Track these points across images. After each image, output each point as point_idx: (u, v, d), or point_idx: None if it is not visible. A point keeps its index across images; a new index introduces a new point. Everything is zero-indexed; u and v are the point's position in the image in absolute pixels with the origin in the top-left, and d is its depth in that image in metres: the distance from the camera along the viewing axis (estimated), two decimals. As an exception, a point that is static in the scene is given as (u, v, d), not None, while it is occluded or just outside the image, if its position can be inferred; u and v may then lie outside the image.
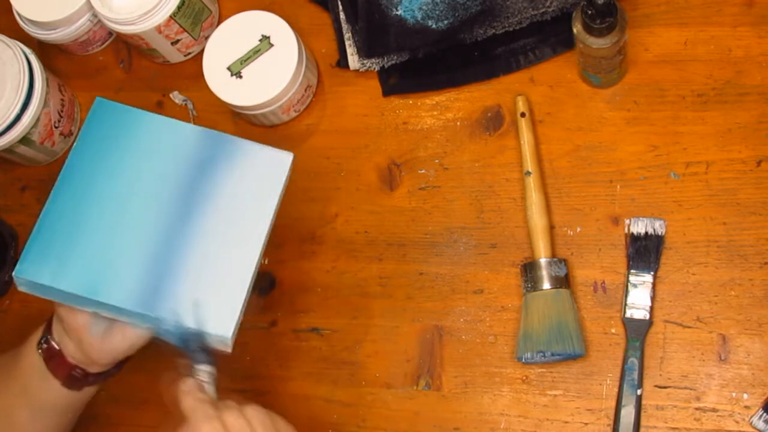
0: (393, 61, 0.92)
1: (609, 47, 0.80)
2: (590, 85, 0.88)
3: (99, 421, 0.93)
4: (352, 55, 0.94)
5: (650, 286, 0.82)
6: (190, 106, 0.99)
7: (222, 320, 0.74)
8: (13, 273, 0.76)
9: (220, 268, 0.76)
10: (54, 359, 0.77)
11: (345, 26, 0.94)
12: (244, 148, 0.79)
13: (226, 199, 0.77)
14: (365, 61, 0.93)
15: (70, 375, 0.77)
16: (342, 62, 0.95)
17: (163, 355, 0.94)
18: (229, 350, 0.75)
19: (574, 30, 0.80)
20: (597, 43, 0.80)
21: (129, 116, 0.80)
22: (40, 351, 0.78)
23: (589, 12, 0.78)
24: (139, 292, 0.75)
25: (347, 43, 0.94)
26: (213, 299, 0.75)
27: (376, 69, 0.94)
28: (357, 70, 0.94)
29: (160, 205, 0.77)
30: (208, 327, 0.74)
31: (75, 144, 0.80)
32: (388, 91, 0.94)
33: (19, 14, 0.98)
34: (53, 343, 0.78)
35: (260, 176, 0.78)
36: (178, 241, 0.76)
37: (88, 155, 0.80)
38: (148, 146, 0.79)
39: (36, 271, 0.76)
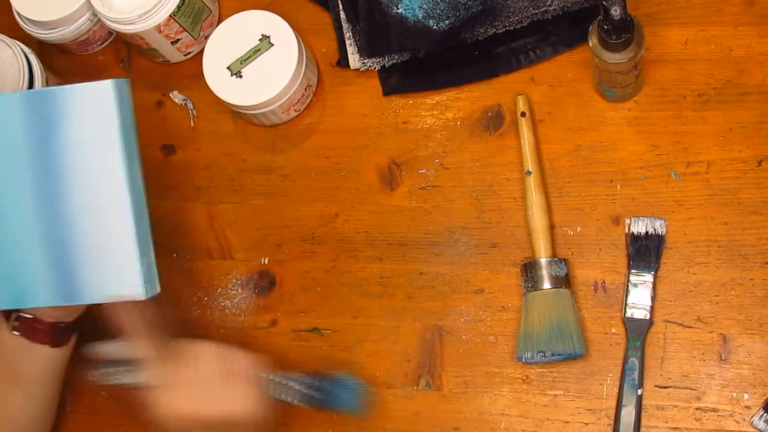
0: (394, 61, 0.92)
1: (625, 62, 0.79)
2: (606, 99, 0.87)
3: (100, 420, 0.93)
4: (353, 54, 0.94)
5: (651, 285, 0.82)
6: (190, 105, 0.99)
7: (127, 281, 0.71)
8: None
9: (102, 230, 0.71)
10: (34, 330, 0.78)
11: (345, 25, 0.94)
12: (66, 95, 0.72)
13: (75, 154, 0.71)
14: (366, 61, 0.93)
15: (55, 332, 0.79)
16: (342, 62, 0.95)
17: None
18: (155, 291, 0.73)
19: (590, 44, 0.79)
20: (613, 58, 0.79)
21: None
22: (16, 332, 0.78)
23: (606, 27, 0.76)
24: (56, 288, 0.72)
25: (348, 42, 0.94)
26: (109, 264, 0.71)
27: (377, 68, 0.93)
28: (357, 70, 0.94)
29: (20, 188, 0.73)
30: (119, 292, 0.71)
31: None
32: (388, 91, 0.94)
33: (18, 14, 0.98)
34: (25, 314, 0.78)
35: (95, 117, 0.71)
36: (53, 218, 0.72)
37: None
38: None
39: None
